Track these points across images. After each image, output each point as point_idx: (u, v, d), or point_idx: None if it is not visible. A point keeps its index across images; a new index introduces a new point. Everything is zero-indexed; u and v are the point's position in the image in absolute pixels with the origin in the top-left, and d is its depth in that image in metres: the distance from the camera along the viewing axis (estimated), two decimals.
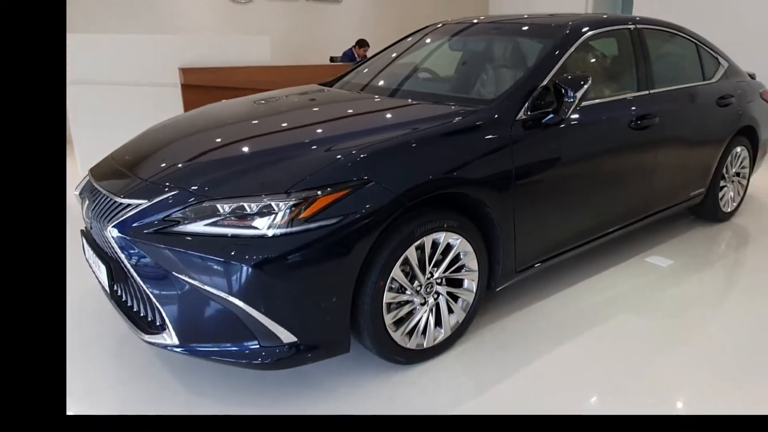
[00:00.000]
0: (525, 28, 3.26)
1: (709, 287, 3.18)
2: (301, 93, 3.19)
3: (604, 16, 3.28)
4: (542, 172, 2.62)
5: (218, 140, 2.46)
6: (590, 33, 2.99)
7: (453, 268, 2.37)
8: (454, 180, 2.26)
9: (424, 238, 2.20)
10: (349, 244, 1.96)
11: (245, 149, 2.31)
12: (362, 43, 8.19)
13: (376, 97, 2.99)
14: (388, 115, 2.65)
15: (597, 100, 2.95)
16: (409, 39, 3.61)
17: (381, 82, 3.24)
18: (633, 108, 3.10)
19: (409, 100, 2.82)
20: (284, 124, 2.59)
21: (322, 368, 2.32)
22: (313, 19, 9.26)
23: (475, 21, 3.43)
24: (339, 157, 2.07)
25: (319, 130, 2.45)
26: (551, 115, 2.60)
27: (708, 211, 4.05)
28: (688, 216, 4.17)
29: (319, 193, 1.93)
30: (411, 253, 2.18)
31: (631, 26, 3.29)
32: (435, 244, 2.27)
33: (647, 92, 3.24)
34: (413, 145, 2.22)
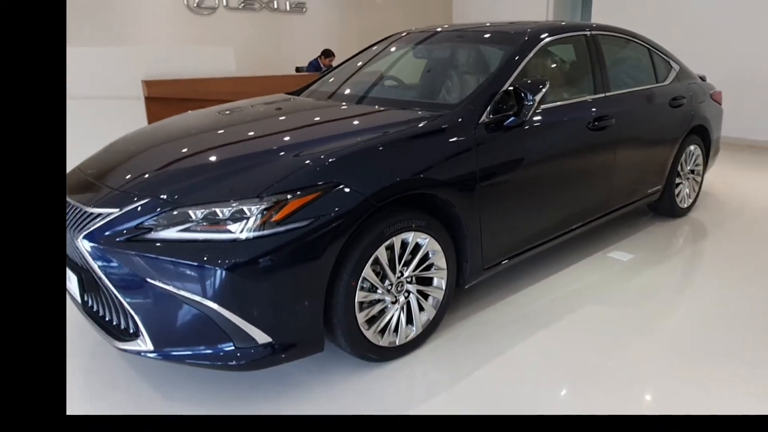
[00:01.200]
0: (487, 35, 3.38)
1: (668, 277, 3.33)
2: (267, 102, 3.24)
3: (562, 24, 3.42)
4: (505, 173, 2.72)
5: (186, 150, 2.49)
6: (548, 39, 3.11)
7: (422, 267, 2.44)
8: (422, 181, 2.34)
9: (394, 238, 2.27)
10: (320, 246, 2.01)
11: (214, 157, 2.34)
12: (328, 53, 8.27)
13: (343, 104, 3.05)
14: (355, 121, 2.72)
15: (556, 103, 3.07)
16: (374, 48, 3.70)
17: (347, 90, 3.31)
18: (591, 110, 3.23)
19: (376, 107, 2.90)
20: (251, 133, 2.62)
21: (298, 368, 2.36)
22: (277, 29, 9.31)
23: (439, 30, 3.54)
24: (308, 162, 2.13)
25: (287, 138, 2.50)
26: (512, 118, 2.70)
27: (665, 207, 4.22)
28: (648, 213, 4.34)
29: (289, 196, 1.98)
30: (381, 253, 2.24)
31: (587, 32, 3.44)
32: (404, 244, 2.33)
33: (603, 95, 3.38)
34: (381, 148, 2.29)
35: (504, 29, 3.29)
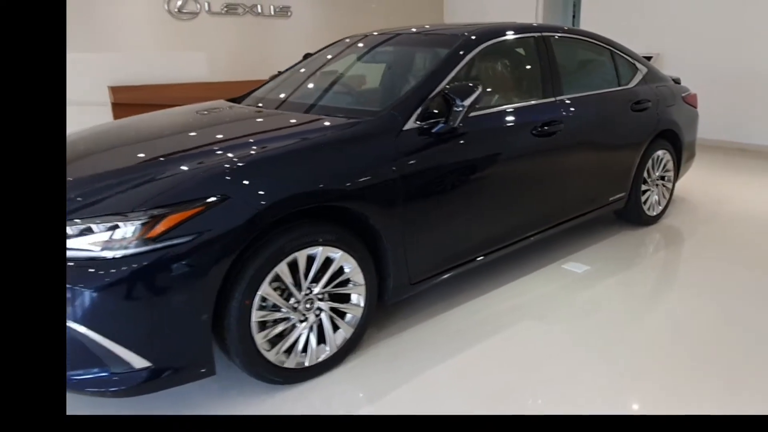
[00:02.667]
0: (427, 39, 3.23)
1: (621, 290, 3.16)
2: (197, 110, 3.11)
3: (509, 25, 3.27)
4: (435, 182, 2.58)
5: (94, 160, 2.37)
6: (489, 42, 2.98)
7: (335, 283, 2.30)
8: (328, 193, 2.20)
9: (297, 254, 2.13)
10: (204, 263, 1.88)
11: (114, 169, 2.21)
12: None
13: (271, 111, 2.92)
14: (273, 130, 2.60)
15: (497, 108, 2.93)
16: (317, 54, 3.57)
17: (281, 96, 3.18)
18: (537, 115, 3.08)
19: (304, 115, 2.77)
20: (163, 143, 2.50)
21: (200, 390, 2.22)
22: (261, 34, 9.21)
23: (381, 33, 3.41)
24: (197, 174, 2.01)
25: (195, 148, 2.37)
26: (441, 125, 2.56)
27: (632, 215, 4.05)
28: (616, 221, 4.16)
29: (167, 211, 1.85)
30: (282, 270, 2.11)
31: (536, 34, 3.29)
32: (311, 259, 2.20)
33: (554, 99, 3.22)
34: (282, 158, 2.16)
35: (443, 32, 3.16)
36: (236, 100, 3.38)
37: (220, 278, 1.93)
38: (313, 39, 9.33)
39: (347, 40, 3.53)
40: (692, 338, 2.62)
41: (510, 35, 3.16)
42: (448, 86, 2.59)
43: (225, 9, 8.79)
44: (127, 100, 5.48)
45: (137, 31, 7.98)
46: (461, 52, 2.83)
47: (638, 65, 4.01)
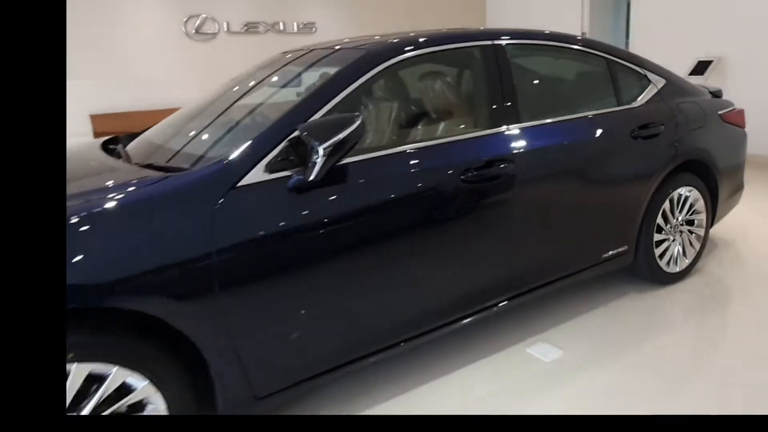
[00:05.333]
0: (330, 55, 2.49)
1: (599, 398, 2.25)
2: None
3: (441, 33, 2.49)
4: (288, 255, 1.87)
5: None
6: (394, 59, 2.22)
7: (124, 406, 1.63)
8: (87, 291, 1.54)
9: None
10: None
11: None
12: None
13: (116, 163, 2.23)
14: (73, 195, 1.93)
15: (396, 149, 2.16)
16: (237, 77, 2.92)
17: (158, 137, 2.51)
18: (471, 153, 2.28)
19: (141, 167, 2.10)
20: None
21: None
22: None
23: (291, 53, 2.73)
24: None
25: None
26: (296, 177, 1.85)
27: (643, 272, 3.10)
28: (624, 277, 3.22)
29: None
30: None
31: (483, 43, 2.48)
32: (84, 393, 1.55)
33: (503, 130, 2.40)
34: None
35: (353, 46, 2.42)
36: (131, 136, 2.79)
37: None
38: None
39: (288, 56, 2.79)
40: None
41: (436, 47, 2.38)
42: (304, 125, 1.87)
43: (245, 28, 8.45)
44: (108, 129, 5.15)
45: (156, 55, 7.77)
46: (350, 75, 2.10)
47: (651, 76, 3.07)
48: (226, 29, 8.25)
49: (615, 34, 7.93)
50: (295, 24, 8.75)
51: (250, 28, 8.46)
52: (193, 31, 8.03)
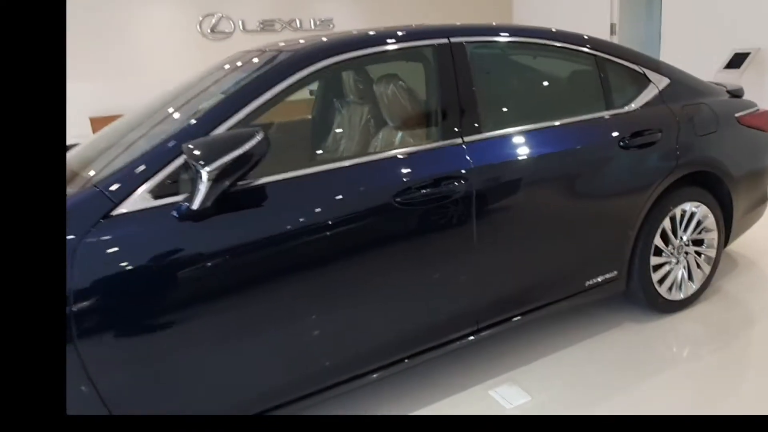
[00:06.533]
0: (255, 63, 2.20)
1: None
2: None
3: (385, 31, 2.18)
4: (167, 299, 1.62)
5: None
6: (322, 63, 1.94)
7: None
8: None
9: None
10: None
11: None
12: None
13: None
14: None
15: (315, 169, 1.87)
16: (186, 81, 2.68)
17: (71, 160, 2.26)
18: (411, 170, 1.98)
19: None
20: None
21: None
22: None
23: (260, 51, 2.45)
24: None
25: None
26: (182, 205, 1.60)
27: (639, 300, 2.72)
28: (621, 304, 2.84)
29: None
30: None
31: (438, 42, 2.16)
32: None
33: (457, 142, 2.09)
34: None
35: (290, 47, 2.14)
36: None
37: None
38: None
39: (233, 60, 2.55)
40: None
41: (373, 48, 2.08)
42: (188, 143, 1.61)
43: (261, 26, 8.29)
44: None
45: (172, 55, 7.70)
46: (261, 84, 1.84)
47: (651, 75, 2.67)
48: (241, 28, 8.12)
49: (648, 25, 7.37)
50: (311, 21, 8.54)
51: (266, 26, 8.30)
52: (209, 31, 7.94)
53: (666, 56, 6.45)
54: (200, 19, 7.89)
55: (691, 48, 6.18)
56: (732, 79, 5.11)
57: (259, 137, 1.61)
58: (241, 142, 1.59)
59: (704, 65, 5.73)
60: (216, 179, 1.57)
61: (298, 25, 8.47)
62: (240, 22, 8.13)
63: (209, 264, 1.63)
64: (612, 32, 7.47)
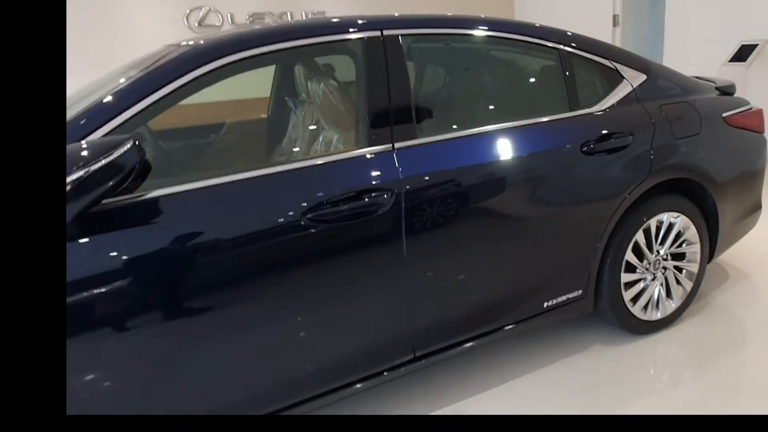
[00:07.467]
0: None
1: None
2: None
3: (303, 23, 1.94)
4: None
5: None
6: (219, 62, 1.69)
7: None
8: None
9: None
10: None
11: None
12: None
13: None
14: None
15: (210, 181, 1.63)
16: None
17: None
18: (327, 182, 1.73)
19: None
20: None
21: None
22: None
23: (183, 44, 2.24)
24: None
25: None
26: None
27: (609, 320, 2.45)
28: (592, 325, 2.57)
29: None
30: None
31: (366, 35, 1.90)
32: None
33: (387, 148, 1.84)
34: None
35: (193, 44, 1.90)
36: None
37: None
38: None
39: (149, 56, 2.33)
40: None
41: (296, 41, 1.83)
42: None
43: (251, 19, 8.05)
44: None
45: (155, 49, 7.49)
46: (144, 86, 1.60)
47: (624, 71, 2.39)
48: (230, 21, 7.88)
49: (652, 15, 7.01)
50: (303, 14, 8.29)
51: (256, 19, 8.06)
52: (196, 24, 7.71)
53: (670, 48, 6.11)
54: (187, 11, 7.68)
55: (697, 39, 5.83)
56: (737, 73, 4.78)
57: (127, 146, 1.38)
58: (106, 152, 1.36)
59: (710, 57, 5.40)
60: (73, 195, 1.34)
61: (290, 19, 8.22)
62: (229, 16, 7.90)
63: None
64: (615, 23, 7.12)
